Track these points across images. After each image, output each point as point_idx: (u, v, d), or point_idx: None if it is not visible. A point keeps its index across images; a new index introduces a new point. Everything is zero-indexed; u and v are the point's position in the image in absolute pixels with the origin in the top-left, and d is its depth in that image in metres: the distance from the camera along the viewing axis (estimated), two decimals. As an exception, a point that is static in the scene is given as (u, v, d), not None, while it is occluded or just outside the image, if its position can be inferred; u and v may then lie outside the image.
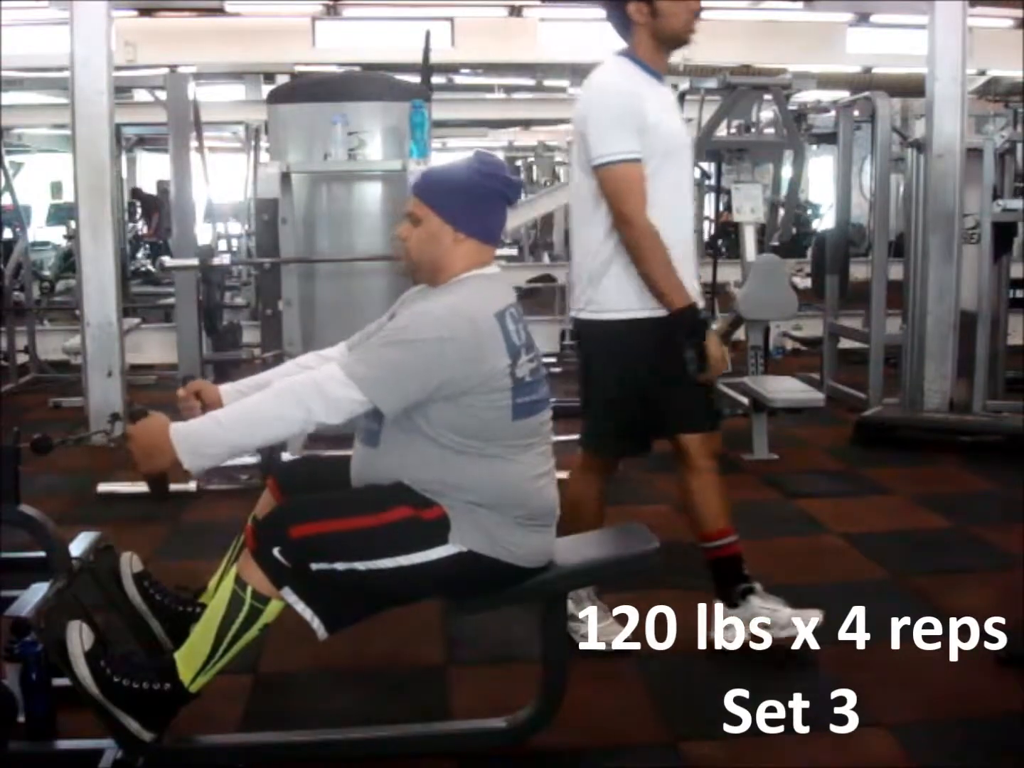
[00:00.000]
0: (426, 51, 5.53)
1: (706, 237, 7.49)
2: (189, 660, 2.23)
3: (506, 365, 2.22)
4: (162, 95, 7.10)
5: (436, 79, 7.97)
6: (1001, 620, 3.12)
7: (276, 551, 2.17)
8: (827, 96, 9.08)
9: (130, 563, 2.57)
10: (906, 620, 3.20)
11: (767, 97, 5.71)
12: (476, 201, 2.31)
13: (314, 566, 2.18)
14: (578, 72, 10.56)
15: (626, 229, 2.77)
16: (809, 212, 12.23)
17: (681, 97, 6.09)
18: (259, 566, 2.18)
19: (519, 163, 16.80)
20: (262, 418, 2.17)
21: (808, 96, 8.44)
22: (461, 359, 2.18)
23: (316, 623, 2.21)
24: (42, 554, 2.54)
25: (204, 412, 2.31)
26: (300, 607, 2.20)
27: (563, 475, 2.63)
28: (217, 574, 2.55)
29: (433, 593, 2.37)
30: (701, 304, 2.94)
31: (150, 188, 13.46)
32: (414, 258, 2.35)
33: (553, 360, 6.96)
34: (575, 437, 3.09)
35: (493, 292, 2.32)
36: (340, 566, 2.18)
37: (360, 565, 2.18)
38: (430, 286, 2.36)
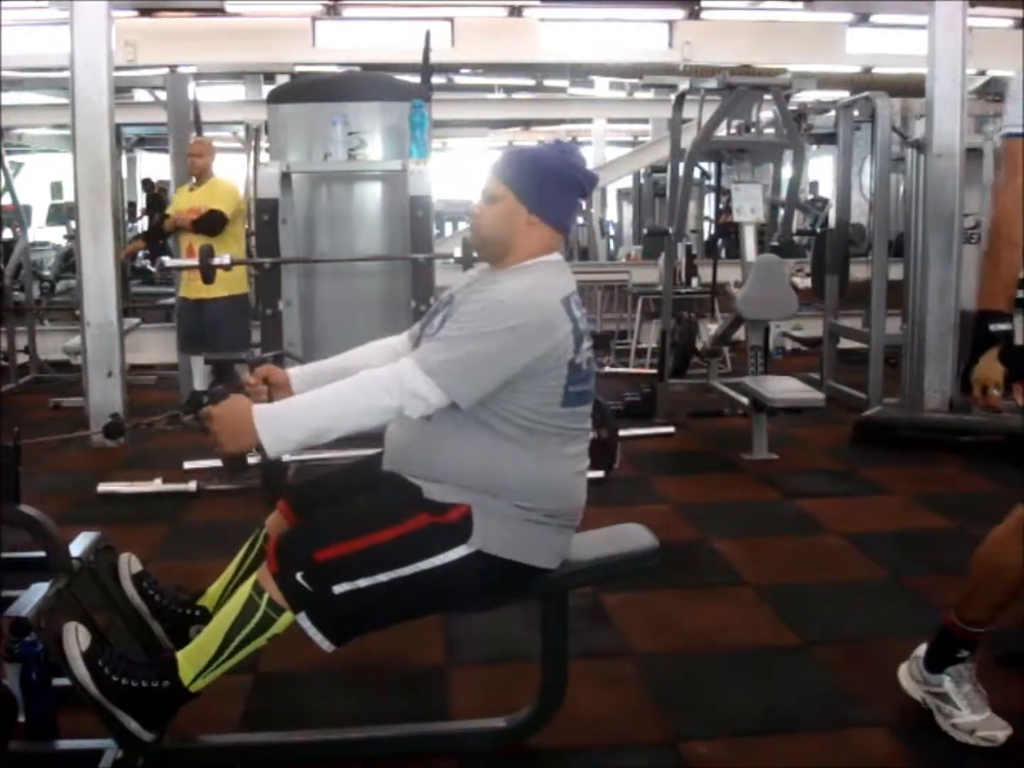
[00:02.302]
0: (426, 51, 5.52)
1: (705, 237, 7.50)
2: (193, 659, 2.22)
3: (570, 349, 2.22)
4: (162, 95, 7.12)
5: (436, 79, 7.97)
6: (1001, 620, 3.14)
7: (299, 576, 2.15)
8: (827, 96, 9.08)
9: (128, 563, 2.56)
10: (906, 620, 3.22)
11: (767, 97, 5.71)
12: (556, 187, 2.28)
13: (337, 589, 2.16)
14: (578, 72, 10.59)
15: (993, 207, 2.47)
16: (822, 209, 12.23)
17: (681, 97, 6.10)
18: (279, 589, 2.17)
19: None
20: (348, 408, 2.15)
21: (808, 96, 8.45)
22: (534, 346, 2.16)
23: (326, 644, 2.20)
24: (42, 554, 2.54)
25: (272, 398, 2.30)
26: (312, 632, 2.18)
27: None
28: (221, 580, 2.53)
29: (453, 598, 2.32)
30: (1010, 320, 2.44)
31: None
32: (485, 236, 2.32)
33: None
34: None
35: (559, 278, 2.30)
36: (364, 582, 2.16)
37: (383, 576, 2.17)
38: (494, 266, 2.34)
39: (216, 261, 4.81)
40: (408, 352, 2.28)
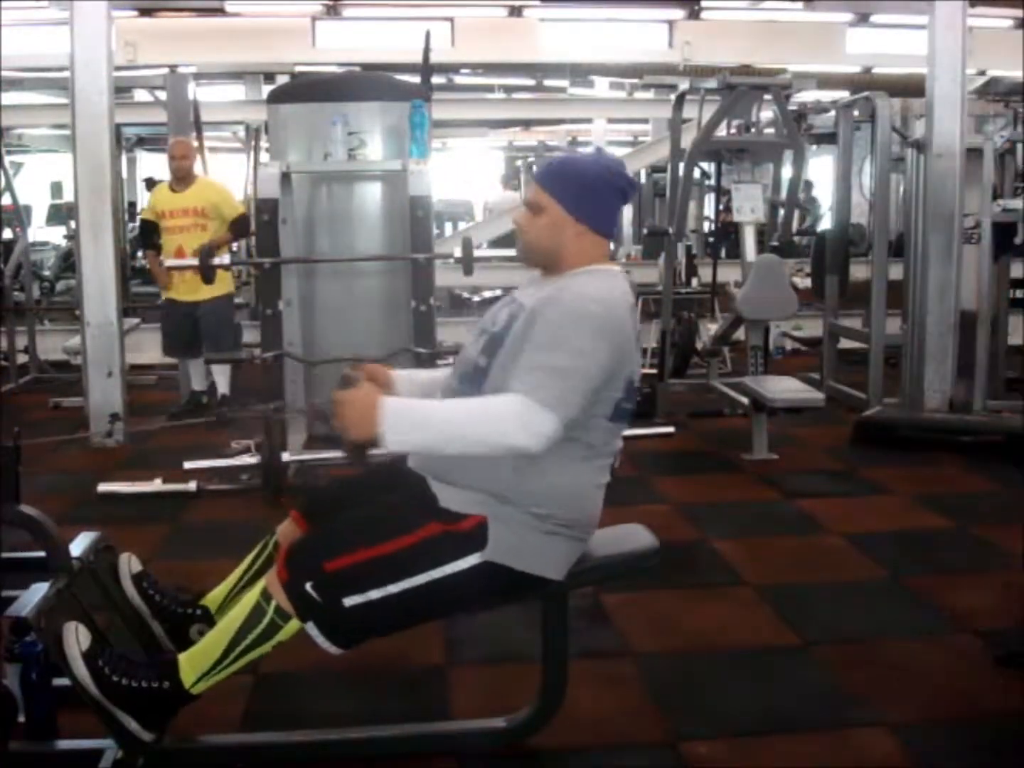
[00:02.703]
0: (426, 51, 5.53)
1: (707, 237, 7.50)
2: (197, 662, 2.22)
3: (636, 361, 2.25)
4: (162, 95, 7.13)
5: (436, 79, 7.96)
6: (1000, 620, 3.14)
7: (309, 586, 2.15)
8: (827, 96, 9.08)
9: (128, 564, 2.56)
10: (906, 620, 3.22)
11: (767, 97, 5.71)
12: (600, 195, 2.29)
13: (347, 601, 2.15)
14: (578, 72, 10.58)
15: None
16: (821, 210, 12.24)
17: (681, 97, 6.10)
18: (288, 599, 2.16)
19: (519, 163, 16.79)
20: (475, 433, 2.10)
21: (808, 96, 8.44)
22: (621, 357, 2.18)
23: (334, 650, 2.20)
24: (42, 554, 2.54)
25: None
26: (320, 639, 2.18)
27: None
28: (226, 583, 2.53)
29: (460, 605, 2.33)
30: None
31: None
32: (533, 246, 2.32)
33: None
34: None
35: (624, 288, 2.31)
36: (375, 594, 2.16)
37: (394, 587, 2.16)
38: (548, 274, 2.34)
39: (216, 261, 4.82)
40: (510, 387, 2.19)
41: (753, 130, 5.84)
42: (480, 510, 2.19)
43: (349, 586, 2.15)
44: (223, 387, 6.09)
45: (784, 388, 5.22)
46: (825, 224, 12.09)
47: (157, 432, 5.55)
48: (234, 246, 10.36)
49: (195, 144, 6.33)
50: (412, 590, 2.17)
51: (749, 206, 5.74)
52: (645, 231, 9.87)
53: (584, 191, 2.27)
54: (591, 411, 2.18)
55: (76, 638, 2.21)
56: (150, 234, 6.16)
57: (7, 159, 7.80)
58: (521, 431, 2.07)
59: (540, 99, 12.98)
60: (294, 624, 2.18)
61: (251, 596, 2.21)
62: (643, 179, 12.04)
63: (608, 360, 2.15)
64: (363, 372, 2.36)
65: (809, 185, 14.48)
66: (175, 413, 5.96)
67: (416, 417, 2.14)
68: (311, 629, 2.17)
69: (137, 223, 8.50)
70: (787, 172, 6.31)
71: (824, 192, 13.00)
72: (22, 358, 7.29)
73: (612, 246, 2.12)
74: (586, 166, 2.31)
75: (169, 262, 5.21)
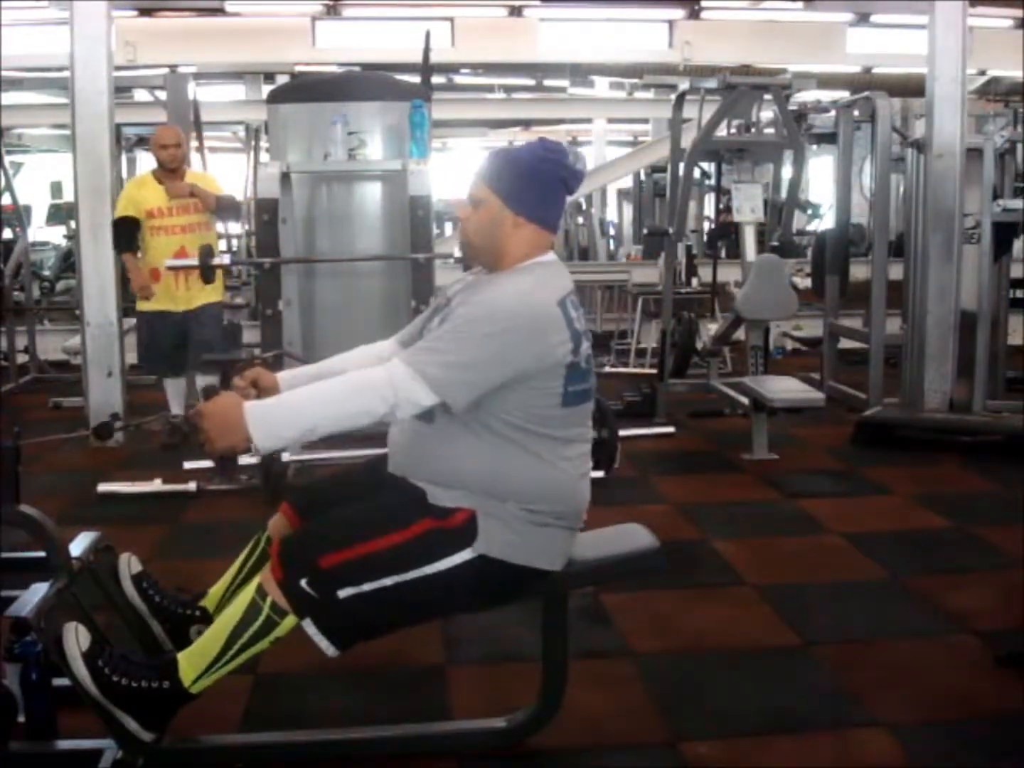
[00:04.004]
0: (426, 51, 5.53)
1: (705, 237, 7.50)
2: (195, 661, 2.22)
3: (569, 352, 2.22)
4: (162, 95, 7.13)
5: (436, 79, 7.97)
6: (1000, 620, 3.14)
7: (304, 582, 2.15)
8: (827, 96, 9.08)
9: (128, 564, 2.56)
10: (906, 620, 3.22)
11: (767, 97, 5.71)
12: (538, 187, 2.27)
13: (342, 593, 2.16)
14: (578, 72, 10.59)
15: None
16: (810, 212, 12.21)
17: (681, 97, 6.10)
18: (284, 595, 2.17)
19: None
20: (339, 409, 2.15)
21: (808, 96, 8.44)
22: (530, 350, 2.17)
23: (332, 651, 2.21)
24: (42, 554, 2.54)
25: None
26: (317, 637, 2.19)
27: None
28: (222, 582, 2.53)
29: (457, 602, 2.32)
30: None
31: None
32: (473, 241, 2.32)
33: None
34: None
35: (554, 279, 2.30)
36: (368, 587, 2.17)
37: (388, 580, 2.17)
38: (489, 271, 2.34)
39: (216, 261, 4.82)
40: (398, 354, 2.28)
41: (753, 130, 5.84)
42: (468, 503, 2.20)
43: (343, 581, 2.16)
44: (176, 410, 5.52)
45: (784, 388, 5.22)
46: (819, 224, 12.13)
47: (157, 432, 5.54)
48: (234, 246, 10.41)
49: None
50: (406, 585, 2.17)
51: (749, 206, 5.74)
52: (645, 231, 9.88)
53: (520, 181, 2.26)
54: (536, 404, 2.19)
55: (76, 638, 2.22)
56: (131, 233, 5.39)
57: (7, 159, 7.80)
58: (387, 394, 2.11)
59: (540, 99, 12.99)
60: (290, 620, 2.18)
61: (247, 593, 2.22)
62: (643, 179, 12.04)
63: (512, 351, 2.14)
64: (247, 378, 2.37)
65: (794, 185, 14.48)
66: (167, 444, 5.39)
67: (280, 413, 2.16)
68: (308, 627, 2.17)
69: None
70: (787, 172, 6.32)
71: (822, 192, 13.02)
72: (22, 358, 7.29)
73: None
74: (523, 157, 2.29)
75: (169, 262, 5.09)
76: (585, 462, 2.33)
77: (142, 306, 5.49)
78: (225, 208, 5.47)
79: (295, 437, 2.21)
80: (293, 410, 2.17)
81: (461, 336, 2.16)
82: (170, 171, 5.38)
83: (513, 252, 2.28)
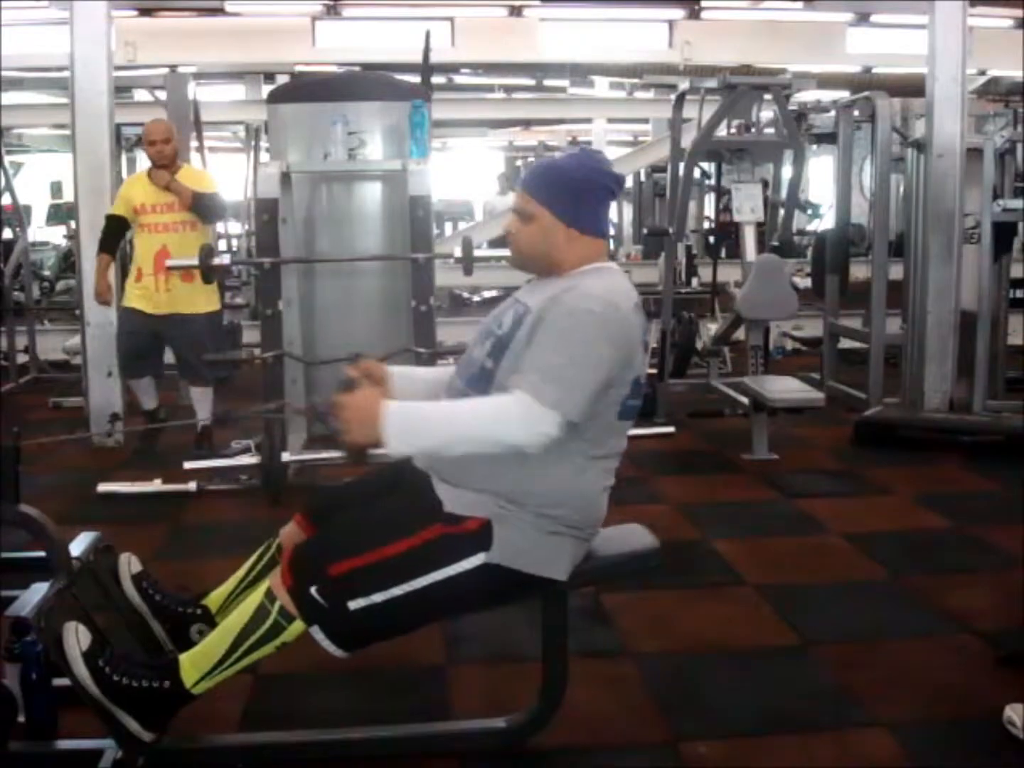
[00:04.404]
0: (426, 51, 5.54)
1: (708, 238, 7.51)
2: (199, 662, 2.22)
3: (640, 363, 2.23)
4: (162, 95, 7.12)
5: (436, 79, 7.97)
6: (1000, 620, 3.14)
7: (314, 590, 2.15)
8: (827, 96, 9.08)
9: (128, 564, 2.56)
10: (906, 620, 3.22)
11: (767, 97, 5.71)
12: (587, 197, 2.28)
13: (352, 605, 2.15)
14: (578, 72, 10.59)
15: None
16: (810, 212, 12.20)
17: (681, 97, 6.10)
18: (293, 603, 2.16)
19: (519, 163, 16.80)
20: (477, 433, 2.11)
21: (808, 96, 8.45)
22: (625, 355, 2.18)
23: (340, 654, 2.20)
24: (42, 554, 2.54)
25: None
26: (325, 643, 2.18)
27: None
28: (227, 584, 2.53)
29: (462, 606, 2.33)
30: None
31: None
32: (526, 254, 2.32)
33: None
34: None
35: (625, 284, 2.31)
36: (379, 597, 2.15)
37: (398, 590, 2.16)
38: (546, 276, 2.33)
39: (216, 261, 4.81)
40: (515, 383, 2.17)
41: (753, 130, 5.84)
42: (483, 512, 2.18)
43: (353, 590, 2.15)
44: (204, 413, 5.30)
45: (784, 388, 5.22)
46: (819, 224, 12.13)
47: (158, 432, 5.53)
48: (234, 246, 10.41)
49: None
50: (416, 592, 2.16)
51: (749, 206, 5.74)
52: (645, 231, 9.89)
53: (572, 195, 2.26)
54: (599, 410, 2.18)
55: (76, 638, 2.21)
56: (116, 234, 5.23)
57: (7, 159, 7.80)
58: (523, 430, 2.08)
59: (540, 99, 13.00)
60: (298, 626, 2.17)
61: (255, 597, 2.21)
62: (643, 179, 12.05)
63: (613, 360, 2.15)
64: (360, 370, 2.36)
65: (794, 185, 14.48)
66: (144, 438, 5.30)
67: (418, 420, 2.14)
68: (316, 633, 2.17)
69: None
70: (787, 172, 6.32)
71: (822, 192, 13.02)
72: (22, 358, 7.28)
73: (612, 245, 2.11)
74: (572, 169, 2.28)
75: (169, 262, 5.04)
76: (610, 477, 2.32)
77: (125, 301, 5.28)
78: (204, 206, 5.07)
79: (426, 448, 2.18)
80: (431, 423, 2.14)
81: (569, 354, 2.12)
82: (161, 167, 5.13)
83: (571, 262, 2.29)
